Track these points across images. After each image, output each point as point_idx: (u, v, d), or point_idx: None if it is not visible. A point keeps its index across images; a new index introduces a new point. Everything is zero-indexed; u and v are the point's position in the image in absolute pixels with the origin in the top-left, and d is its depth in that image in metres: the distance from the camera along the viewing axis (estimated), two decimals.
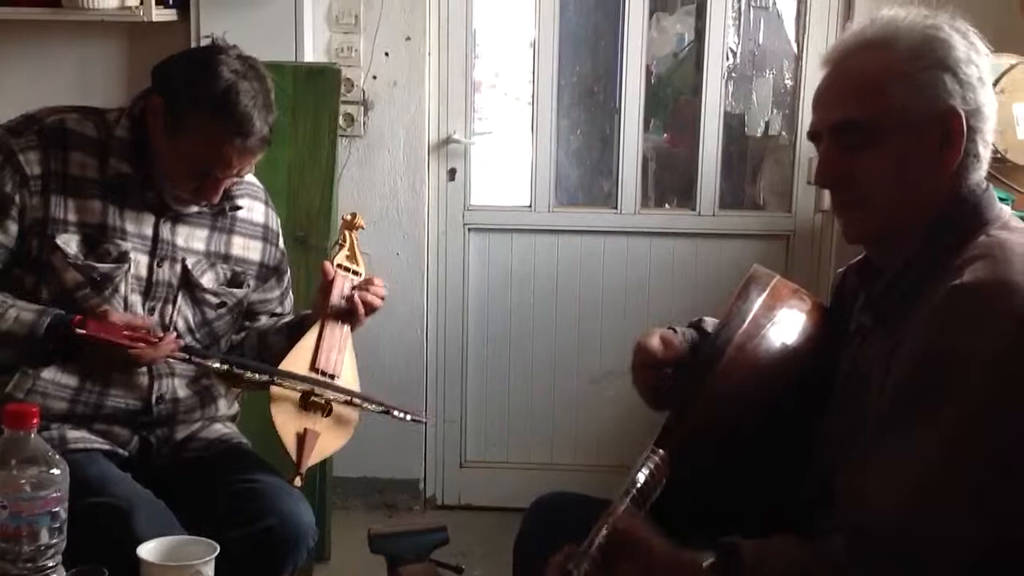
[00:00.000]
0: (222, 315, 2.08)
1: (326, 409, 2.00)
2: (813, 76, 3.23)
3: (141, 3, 2.91)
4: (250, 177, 2.12)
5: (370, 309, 2.06)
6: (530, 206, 3.39)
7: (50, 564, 1.35)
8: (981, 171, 1.46)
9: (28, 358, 1.91)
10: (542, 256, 3.40)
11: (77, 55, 3.18)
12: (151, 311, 1.99)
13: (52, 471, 1.34)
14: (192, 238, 2.03)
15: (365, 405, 2.05)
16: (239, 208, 2.08)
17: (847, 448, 1.42)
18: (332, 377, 2.02)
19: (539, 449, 3.48)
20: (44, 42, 3.15)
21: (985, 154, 1.45)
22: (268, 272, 2.16)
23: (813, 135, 1.51)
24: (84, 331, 1.82)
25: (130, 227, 1.96)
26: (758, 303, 1.56)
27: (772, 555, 1.33)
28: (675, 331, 1.71)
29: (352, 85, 3.19)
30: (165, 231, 1.99)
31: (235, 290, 2.08)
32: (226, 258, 2.07)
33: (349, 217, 2.19)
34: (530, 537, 1.76)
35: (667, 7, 3.40)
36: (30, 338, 1.86)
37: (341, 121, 3.14)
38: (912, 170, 1.43)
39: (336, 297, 2.05)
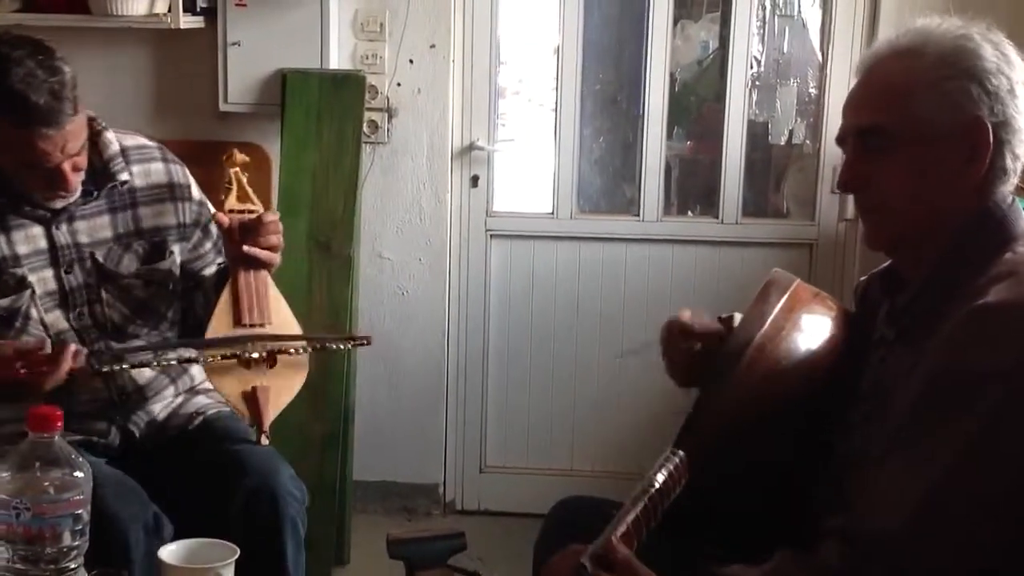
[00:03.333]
0: (154, 292, 2.03)
1: (270, 361, 1.94)
2: (838, 85, 3.22)
3: (169, 11, 2.94)
4: (140, 140, 2.06)
5: (273, 249, 1.96)
6: (552, 213, 3.39)
7: (72, 566, 1.36)
8: (1009, 185, 1.44)
9: None
10: (564, 263, 3.40)
11: (106, 62, 3.21)
12: (79, 317, 1.96)
13: (75, 473, 1.36)
14: (95, 230, 1.98)
15: (294, 348, 1.96)
16: (124, 182, 1.99)
17: (863, 461, 1.42)
18: (262, 327, 1.95)
19: (559, 455, 3.48)
20: (73, 49, 3.13)
21: (1014, 167, 1.43)
22: (189, 229, 2.09)
23: (840, 139, 1.51)
24: None
25: (23, 249, 1.93)
26: (778, 306, 1.56)
27: None
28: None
29: (376, 92, 3.20)
30: (61, 236, 1.95)
31: (158, 264, 2.03)
32: (139, 233, 2.02)
33: (226, 155, 2.05)
34: (549, 541, 1.76)
35: (692, 15, 3.40)
36: None
37: (365, 128, 3.16)
38: (933, 180, 1.42)
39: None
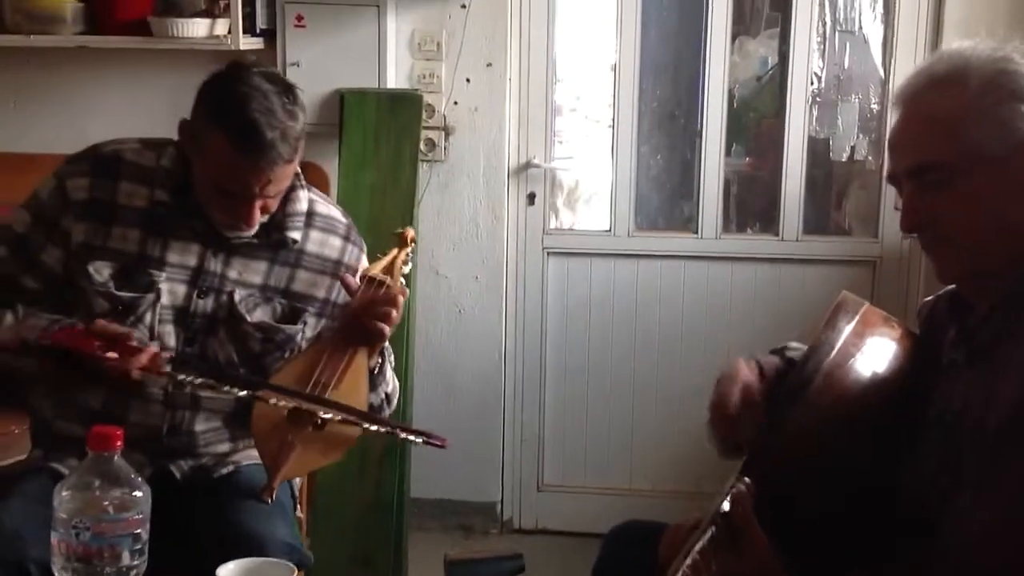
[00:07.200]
0: (270, 350, 1.98)
1: (317, 423, 1.86)
2: None
3: (229, 32, 2.98)
4: (334, 212, 2.06)
5: (386, 321, 1.89)
6: (610, 230, 3.38)
7: None
8: None
9: (30, 362, 1.87)
10: (621, 281, 3.38)
11: (168, 82, 3.25)
12: (188, 342, 1.93)
13: (135, 493, 1.37)
14: (248, 271, 1.96)
15: (368, 427, 1.87)
16: (294, 241, 1.98)
17: (940, 484, 1.39)
18: (324, 389, 1.87)
19: (617, 474, 3.45)
20: (136, 70, 3.24)
21: None
22: (333, 309, 2.03)
23: (892, 178, 1.49)
24: (49, 340, 1.79)
25: (172, 257, 1.92)
26: (847, 331, 1.53)
27: None
28: (759, 364, 1.68)
29: (433, 111, 3.22)
30: (213, 263, 1.94)
31: (287, 327, 1.98)
32: (286, 293, 1.99)
33: (400, 231, 2.04)
34: (608, 566, 1.75)
35: (750, 31, 3.37)
36: (24, 341, 1.84)
37: (422, 146, 3.17)
38: (999, 206, 1.39)
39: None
